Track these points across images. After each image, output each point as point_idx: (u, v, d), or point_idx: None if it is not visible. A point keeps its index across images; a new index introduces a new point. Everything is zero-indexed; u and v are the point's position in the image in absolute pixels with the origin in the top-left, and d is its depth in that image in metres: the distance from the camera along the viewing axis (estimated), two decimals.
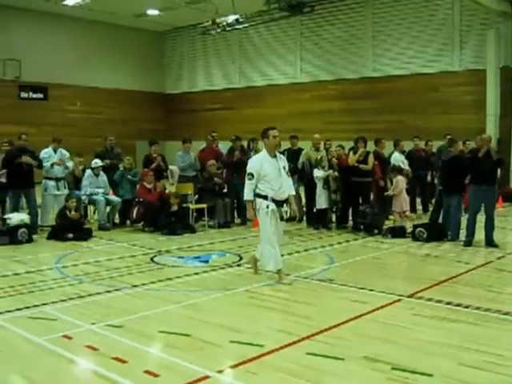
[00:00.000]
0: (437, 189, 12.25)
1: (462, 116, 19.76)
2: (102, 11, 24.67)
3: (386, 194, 11.78)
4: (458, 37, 20.50)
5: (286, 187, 7.62)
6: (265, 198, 7.47)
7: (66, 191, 12.22)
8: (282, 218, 7.60)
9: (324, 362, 4.73)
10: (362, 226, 11.54)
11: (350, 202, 11.92)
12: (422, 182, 14.36)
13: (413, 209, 14.33)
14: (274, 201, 7.47)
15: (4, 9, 23.49)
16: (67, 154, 12.83)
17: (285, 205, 7.63)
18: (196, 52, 28.99)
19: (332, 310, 6.33)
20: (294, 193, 7.91)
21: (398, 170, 11.88)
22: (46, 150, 12.36)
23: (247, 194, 7.60)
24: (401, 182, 11.55)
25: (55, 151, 12.47)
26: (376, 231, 11.30)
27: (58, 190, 12.18)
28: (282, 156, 7.89)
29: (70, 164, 12.73)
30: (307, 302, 6.57)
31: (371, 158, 11.81)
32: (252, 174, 7.48)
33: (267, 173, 7.46)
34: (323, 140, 13.09)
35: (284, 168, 7.66)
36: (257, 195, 7.55)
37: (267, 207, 7.43)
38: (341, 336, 5.36)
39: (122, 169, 12.60)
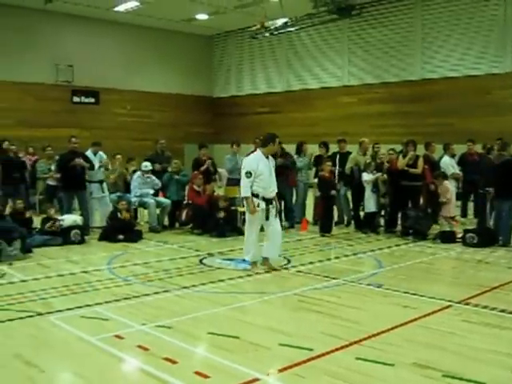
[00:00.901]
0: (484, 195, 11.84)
1: None
2: (151, 16, 25.05)
3: (439, 200, 11.54)
4: (510, 37, 20.02)
5: (274, 186, 8.26)
6: (256, 196, 8.07)
7: (107, 193, 12.56)
8: (267, 218, 8.17)
9: (373, 367, 4.70)
10: (410, 231, 11.38)
11: (398, 206, 11.71)
12: (475, 187, 14.01)
13: (464, 213, 14.11)
14: (264, 199, 8.08)
15: (57, 16, 24.08)
16: (105, 157, 13.18)
17: (273, 202, 8.27)
18: (244, 56, 29.08)
19: (381, 314, 6.27)
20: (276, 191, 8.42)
21: (443, 176, 11.68)
22: (86, 153, 12.51)
23: (246, 192, 8.10)
24: (449, 187, 11.37)
25: (95, 154, 12.74)
26: (421, 236, 11.10)
27: (103, 192, 12.54)
28: (271, 157, 8.48)
29: (109, 166, 12.99)
30: (356, 307, 6.54)
31: (421, 162, 11.61)
32: (250, 173, 8.06)
33: (262, 172, 8.07)
34: (371, 144, 12.98)
35: (273, 167, 8.39)
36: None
37: (258, 205, 8.04)
38: (390, 341, 5.32)
39: (171, 171, 12.71)
